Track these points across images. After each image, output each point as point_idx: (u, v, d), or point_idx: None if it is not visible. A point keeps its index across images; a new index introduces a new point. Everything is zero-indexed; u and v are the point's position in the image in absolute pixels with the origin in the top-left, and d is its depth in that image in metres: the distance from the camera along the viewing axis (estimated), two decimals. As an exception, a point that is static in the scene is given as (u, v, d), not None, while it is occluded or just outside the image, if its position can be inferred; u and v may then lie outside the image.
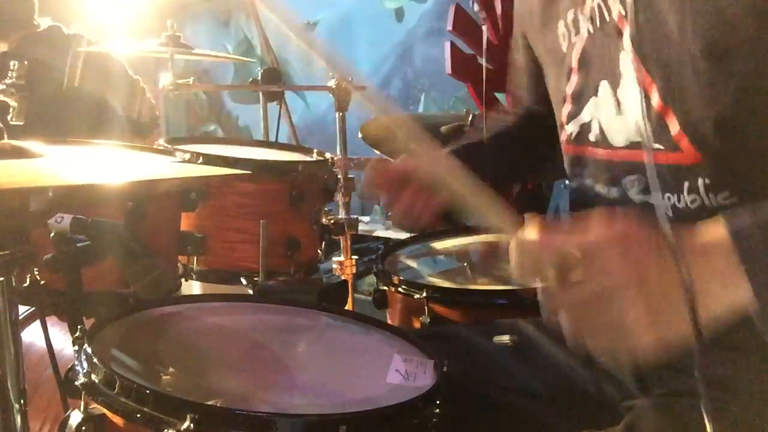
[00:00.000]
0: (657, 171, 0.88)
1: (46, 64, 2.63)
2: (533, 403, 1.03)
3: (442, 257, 1.71)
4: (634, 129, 0.92)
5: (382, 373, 0.98)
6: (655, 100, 0.88)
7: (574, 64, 1.00)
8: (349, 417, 0.84)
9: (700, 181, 0.85)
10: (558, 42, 1.03)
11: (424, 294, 1.41)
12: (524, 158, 1.32)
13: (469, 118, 1.76)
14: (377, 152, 1.96)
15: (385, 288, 1.51)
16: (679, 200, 0.88)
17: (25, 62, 1.45)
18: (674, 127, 0.86)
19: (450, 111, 4.04)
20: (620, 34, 0.91)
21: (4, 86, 1.41)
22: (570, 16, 1.00)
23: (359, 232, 2.03)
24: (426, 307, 1.40)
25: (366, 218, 4.17)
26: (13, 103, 1.41)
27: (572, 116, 1.02)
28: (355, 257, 2.03)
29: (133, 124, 2.84)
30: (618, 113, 0.94)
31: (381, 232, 3.85)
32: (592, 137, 0.99)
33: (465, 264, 1.66)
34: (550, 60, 1.09)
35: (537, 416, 1.02)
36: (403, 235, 3.31)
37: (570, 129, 1.03)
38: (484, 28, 1.69)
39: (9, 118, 1.42)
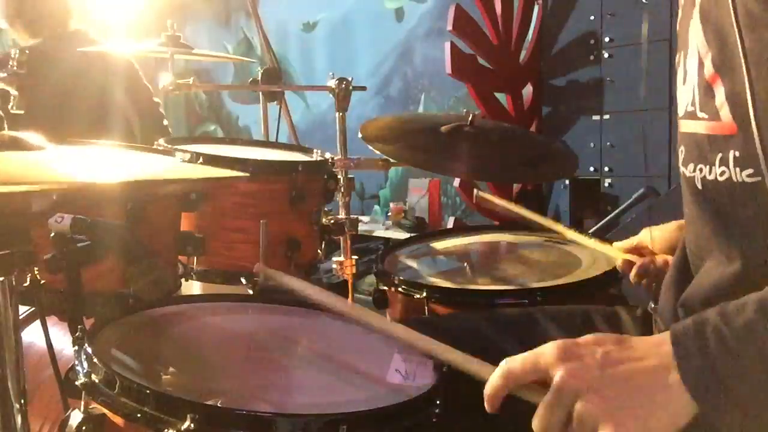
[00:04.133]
0: (696, 140, 0.89)
1: (56, 57, 2.64)
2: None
3: (442, 257, 1.71)
4: (690, 98, 0.92)
5: (382, 373, 0.98)
6: (708, 67, 0.87)
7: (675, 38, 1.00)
8: (349, 417, 0.84)
9: (731, 154, 0.85)
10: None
11: (424, 294, 1.41)
12: None
13: (469, 118, 1.76)
14: (377, 152, 1.96)
15: (385, 288, 1.51)
16: (710, 172, 0.88)
17: (26, 51, 1.45)
18: (720, 95, 0.86)
19: (450, 111, 4.04)
20: (693, 4, 0.91)
21: (5, 74, 1.41)
22: None
23: (359, 232, 2.03)
24: (426, 307, 1.40)
25: (366, 218, 4.17)
26: (14, 92, 1.41)
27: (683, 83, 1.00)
28: (355, 257, 2.03)
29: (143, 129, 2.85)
30: (683, 83, 0.94)
31: (381, 232, 3.85)
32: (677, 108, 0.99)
33: (465, 264, 1.66)
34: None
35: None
36: (403, 235, 3.31)
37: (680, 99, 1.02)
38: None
39: (10, 106, 1.42)
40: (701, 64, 0.89)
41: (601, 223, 3.01)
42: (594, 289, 1.42)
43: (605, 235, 2.48)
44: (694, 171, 0.90)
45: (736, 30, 0.81)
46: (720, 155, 0.86)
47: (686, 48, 0.93)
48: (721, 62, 0.85)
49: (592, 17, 3.19)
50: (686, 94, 0.93)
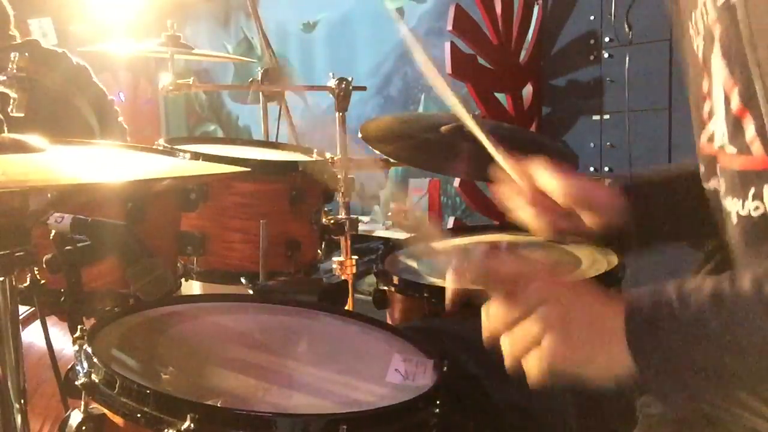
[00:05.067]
0: (731, 175, 0.89)
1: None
2: (538, 401, 1.03)
3: (442, 257, 1.71)
4: (721, 131, 0.91)
5: (382, 373, 0.98)
6: (735, 102, 0.87)
7: (701, 63, 0.98)
8: (349, 417, 0.84)
9: (765, 189, 0.84)
10: (691, 42, 1.01)
11: (424, 294, 1.41)
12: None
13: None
14: (377, 152, 1.96)
15: (385, 288, 1.51)
16: (743, 207, 0.88)
17: (26, 54, 1.45)
18: (750, 130, 0.85)
19: (450, 111, 4.04)
20: (713, 37, 0.90)
21: (4, 78, 1.41)
22: (693, 17, 0.98)
23: (359, 232, 2.03)
24: (426, 307, 1.40)
25: (366, 218, 4.17)
26: (13, 94, 1.41)
27: (711, 115, 0.99)
28: (355, 257, 2.03)
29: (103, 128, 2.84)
30: (716, 114, 0.93)
31: (381, 232, 3.85)
32: (709, 137, 0.97)
33: (465, 264, 1.66)
34: (687, 59, 1.06)
35: (541, 415, 1.02)
36: (404, 235, 3.31)
37: (711, 128, 0.99)
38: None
39: (9, 109, 1.42)
40: (727, 99, 0.88)
41: (601, 223, 3.00)
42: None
43: (605, 235, 2.48)
44: (731, 206, 0.90)
45: (755, 69, 0.81)
46: (753, 189, 0.86)
47: (711, 78, 0.92)
48: (749, 97, 0.84)
49: (592, 17, 3.19)
50: (719, 125, 0.92)
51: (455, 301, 0.85)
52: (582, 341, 0.76)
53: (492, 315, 0.80)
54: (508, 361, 0.79)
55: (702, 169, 1.03)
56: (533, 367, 0.76)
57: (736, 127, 0.87)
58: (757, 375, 0.73)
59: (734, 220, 0.89)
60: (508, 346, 0.78)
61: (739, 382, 0.75)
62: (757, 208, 0.86)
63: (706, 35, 0.94)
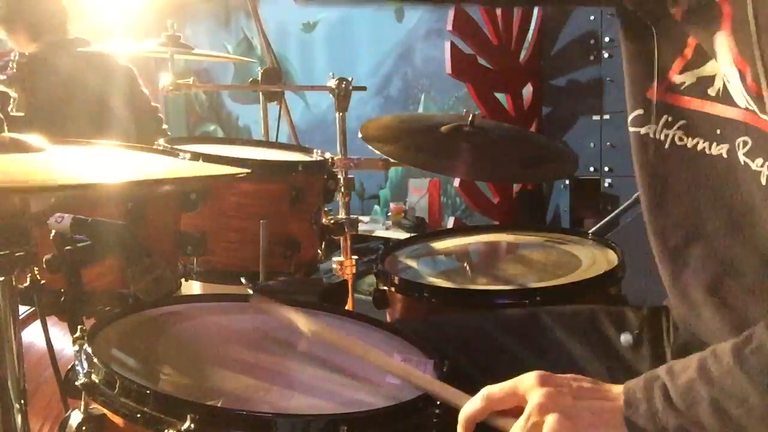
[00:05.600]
0: (764, 136, 0.88)
1: (55, 62, 2.65)
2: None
3: (442, 257, 1.71)
4: (744, 98, 0.90)
5: (382, 373, 0.98)
6: (749, 80, 0.87)
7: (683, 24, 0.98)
8: (349, 417, 0.84)
9: None
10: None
11: (424, 294, 1.41)
12: None
13: (469, 118, 1.76)
14: (377, 152, 1.96)
15: (385, 288, 1.51)
16: None
17: (26, 53, 1.46)
18: None
19: (450, 111, 4.04)
20: (720, 12, 0.89)
21: (4, 77, 1.41)
22: None
23: (359, 232, 2.03)
24: (426, 307, 1.40)
25: (366, 218, 4.17)
26: (13, 93, 1.41)
27: (689, 67, 0.99)
28: (355, 257, 2.03)
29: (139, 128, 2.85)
30: (730, 82, 0.92)
31: (381, 232, 3.85)
32: (711, 92, 0.96)
33: (465, 264, 1.66)
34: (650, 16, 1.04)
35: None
36: (403, 235, 3.31)
37: (682, 79, 1.00)
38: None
39: (9, 109, 1.42)
40: (743, 76, 0.88)
41: (601, 223, 3.00)
42: (594, 289, 1.42)
43: (605, 235, 2.49)
44: (762, 166, 0.89)
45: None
46: None
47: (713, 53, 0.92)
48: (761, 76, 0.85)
49: (592, 17, 3.19)
50: (739, 91, 0.91)
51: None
52: None
53: None
54: None
55: (644, 118, 1.03)
56: None
57: (759, 99, 0.87)
58: None
59: (764, 181, 0.88)
60: None
61: None
62: None
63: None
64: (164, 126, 3.01)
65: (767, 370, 0.74)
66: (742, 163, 0.92)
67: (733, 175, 0.93)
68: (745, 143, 0.92)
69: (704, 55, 0.96)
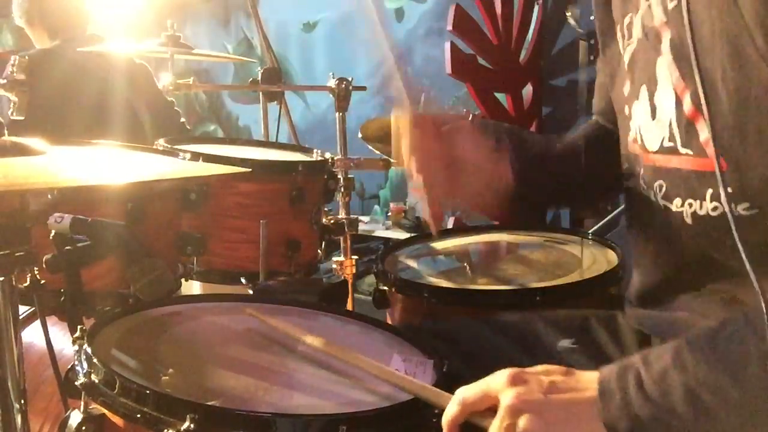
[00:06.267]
0: (683, 176, 0.90)
1: (64, 58, 2.66)
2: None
3: (442, 257, 1.71)
4: (666, 134, 0.92)
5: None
6: (687, 105, 0.88)
7: (626, 67, 1.01)
8: (349, 417, 0.84)
9: (721, 190, 0.85)
10: (618, 46, 1.04)
11: (424, 294, 1.41)
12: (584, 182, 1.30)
13: (469, 118, 1.76)
14: (377, 152, 1.96)
15: (385, 288, 1.51)
16: (701, 207, 0.89)
17: (26, 56, 1.45)
18: (703, 133, 0.87)
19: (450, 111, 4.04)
20: (659, 39, 0.92)
21: (4, 81, 1.41)
22: (626, 20, 1.01)
23: (359, 232, 2.03)
24: (426, 307, 1.40)
25: (366, 218, 4.17)
26: (13, 97, 1.41)
27: (628, 118, 1.03)
28: (355, 257, 2.03)
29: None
30: (652, 118, 0.94)
31: (381, 232, 3.85)
32: (638, 140, 1.00)
33: (465, 264, 1.66)
34: (613, 63, 1.09)
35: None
36: (403, 235, 3.31)
37: (634, 129, 1.03)
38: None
39: (9, 112, 1.42)
40: (679, 101, 0.89)
41: (601, 223, 3.00)
42: (594, 289, 1.42)
43: (605, 235, 2.48)
44: (682, 206, 0.91)
45: (720, 68, 0.82)
46: (710, 191, 0.87)
47: (654, 83, 0.93)
48: (700, 100, 0.84)
49: (592, 17, 3.19)
50: (659, 129, 0.93)
51: None
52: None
53: None
54: None
55: (625, 166, 1.05)
56: None
57: (689, 130, 0.88)
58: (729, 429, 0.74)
59: (689, 220, 0.90)
60: None
61: None
62: (715, 208, 0.87)
63: (646, 38, 0.94)
64: (182, 120, 3.00)
65: (742, 357, 0.73)
66: (662, 206, 0.94)
67: (667, 221, 0.95)
68: (660, 187, 0.95)
69: (631, 105, 0.99)
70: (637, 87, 0.98)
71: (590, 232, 1.86)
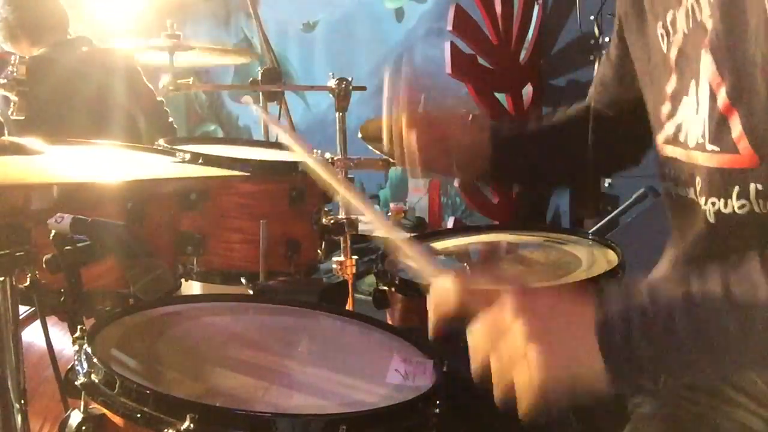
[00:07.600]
0: (709, 173, 0.89)
1: (58, 61, 2.66)
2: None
3: (442, 257, 1.71)
4: (701, 130, 0.91)
5: (382, 373, 0.98)
6: (722, 99, 0.87)
7: (672, 63, 0.99)
8: (349, 417, 0.84)
9: (752, 187, 0.85)
10: (658, 42, 1.02)
11: (424, 294, 1.41)
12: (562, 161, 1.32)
13: (469, 118, 1.76)
14: (377, 152, 1.95)
15: (385, 288, 1.51)
16: (726, 205, 0.88)
17: (27, 58, 1.46)
18: (736, 128, 0.86)
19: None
20: (706, 32, 0.90)
21: (4, 81, 1.41)
22: (669, 16, 0.99)
23: (359, 232, 2.03)
24: (426, 308, 1.40)
25: (366, 218, 4.16)
26: (14, 97, 1.41)
27: (670, 116, 1.01)
28: (355, 257, 2.03)
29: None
30: (695, 113, 0.93)
31: (381, 232, 3.84)
32: (681, 138, 0.98)
33: (465, 264, 1.66)
34: (650, 60, 1.07)
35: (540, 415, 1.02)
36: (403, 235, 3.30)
37: (668, 129, 1.02)
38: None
39: (10, 112, 1.42)
40: (713, 96, 0.88)
41: (601, 223, 3.00)
42: (594, 290, 1.42)
43: (605, 235, 2.48)
44: (706, 204, 0.90)
45: (759, 61, 0.80)
46: (737, 188, 0.86)
47: (698, 78, 0.92)
48: (738, 94, 0.84)
49: (592, 17, 3.19)
50: (698, 124, 0.92)
51: (438, 330, 0.84)
52: (563, 343, 0.75)
53: (475, 336, 0.78)
54: (497, 388, 0.77)
55: (660, 169, 1.04)
56: (524, 383, 0.74)
57: (720, 125, 0.87)
58: (725, 370, 0.75)
59: (711, 219, 0.89)
60: (495, 362, 0.76)
61: (713, 375, 0.77)
62: (743, 206, 0.86)
63: (692, 32, 0.93)
64: (170, 119, 3.00)
65: (750, 300, 0.72)
66: (699, 203, 0.93)
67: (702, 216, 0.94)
68: (697, 183, 0.94)
69: (678, 101, 0.98)
70: (686, 82, 0.96)
71: (590, 232, 1.86)
